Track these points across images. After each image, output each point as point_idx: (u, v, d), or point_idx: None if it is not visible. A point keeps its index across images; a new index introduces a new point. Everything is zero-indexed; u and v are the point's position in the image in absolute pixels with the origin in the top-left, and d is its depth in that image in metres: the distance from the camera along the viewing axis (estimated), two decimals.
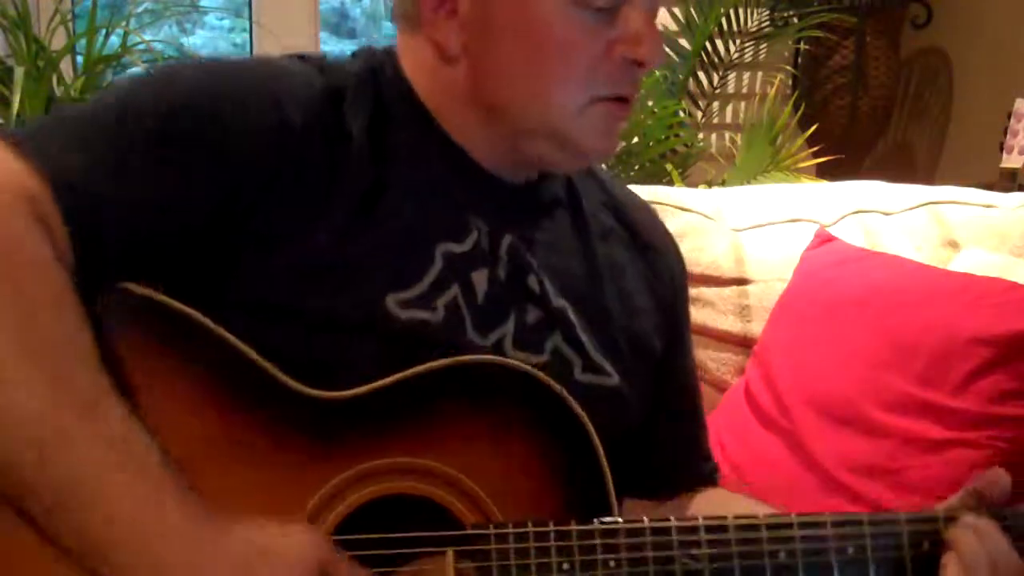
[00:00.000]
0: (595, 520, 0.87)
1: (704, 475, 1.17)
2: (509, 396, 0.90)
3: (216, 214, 0.89)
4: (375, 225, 0.93)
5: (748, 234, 1.86)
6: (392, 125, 0.98)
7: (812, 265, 1.76)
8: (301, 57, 1.00)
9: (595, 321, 1.03)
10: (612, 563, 0.86)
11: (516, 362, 0.92)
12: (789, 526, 0.90)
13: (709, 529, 0.89)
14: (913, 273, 1.69)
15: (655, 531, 0.88)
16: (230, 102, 0.90)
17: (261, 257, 0.90)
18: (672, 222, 1.83)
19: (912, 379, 1.50)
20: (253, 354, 0.86)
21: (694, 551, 0.88)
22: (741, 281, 1.82)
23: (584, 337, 1.01)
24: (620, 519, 0.88)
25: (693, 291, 1.81)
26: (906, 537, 0.93)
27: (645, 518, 0.88)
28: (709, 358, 1.80)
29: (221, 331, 0.86)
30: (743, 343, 1.79)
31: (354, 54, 1.05)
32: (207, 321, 0.86)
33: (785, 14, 3.19)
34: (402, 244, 0.94)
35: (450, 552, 0.85)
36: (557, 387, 0.91)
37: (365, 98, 0.97)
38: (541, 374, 0.91)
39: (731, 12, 3.05)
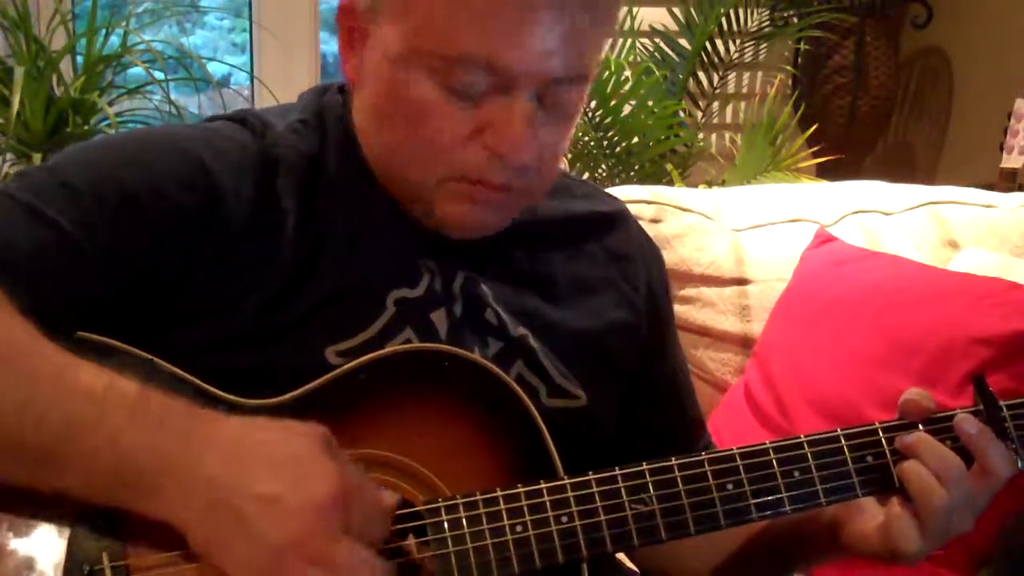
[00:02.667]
0: (541, 481, 0.88)
1: None
2: (442, 380, 0.91)
3: (137, 284, 0.90)
4: (315, 285, 0.94)
5: (748, 234, 1.86)
6: (334, 179, 0.98)
7: (812, 265, 1.76)
8: (242, 120, 1.00)
9: (559, 346, 1.03)
10: (564, 519, 0.87)
11: (443, 346, 0.94)
12: (732, 459, 0.91)
13: (654, 472, 0.90)
14: (913, 273, 1.69)
15: (601, 481, 0.89)
16: (154, 175, 0.91)
17: (187, 328, 0.91)
18: (672, 222, 1.83)
19: (912, 379, 1.50)
20: (187, 375, 0.88)
21: (643, 495, 0.89)
22: (741, 281, 1.82)
23: (546, 362, 1.02)
24: (566, 478, 0.89)
25: (693, 291, 1.81)
26: (848, 452, 0.93)
27: (590, 472, 0.89)
28: (709, 358, 1.80)
29: (152, 358, 0.88)
30: (743, 343, 1.79)
31: (306, 96, 1.05)
32: (135, 351, 0.87)
33: (785, 14, 3.18)
34: (347, 298, 0.95)
35: (410, 534, 0.86)
36: (482, 361, 0.92)
37: (300, 163, 0.97)
38: (464, 351, 0.93)
39: (731, 12, 3.04)
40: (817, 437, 0.94)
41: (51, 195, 0.89)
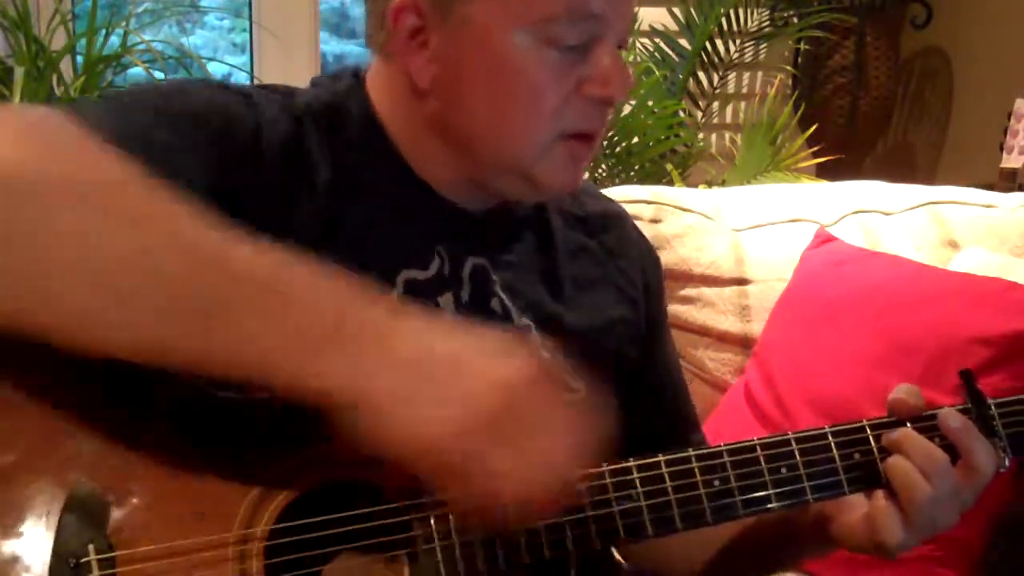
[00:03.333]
0: None
1: None
2: None
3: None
4: (334, 254, 0.93)
5: (748, 234, 1.86)
6: (355, 156, 0.99)
7: (812, 265, 1.76)
8: (266, 87, 1.01)
9: (559, 338, 1.04)
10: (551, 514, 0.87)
11: None
12: (719, 455, 0.92)
13: (641, 467, 0.90)
14: (913, 273, 1.69)
15: (589, 477, 0.89)
16: (216, 116, 0.92)
17: None
18: (672, 222, 1.83)
19: (912, 379, 1.48)
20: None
21: (630, 490, 0.89)
22: (741, 281, 1.82)
23: (547, 355, 1.02)
24: None
25: (693, 291, 1.81)
26: (835, 449, 0.94)
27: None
28: (709, 358, 1.80)
29: None
30: (743, 343, 1.79)
31: (315, 82, 1.06)
32: None
33: (785, 14, 3.19)
34: (360, 273, 0.95)
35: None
36: None
37: (329, 131, 0.98)
38: None
39: (731, 12, 3.05)
40: (805, 434, 0.94)
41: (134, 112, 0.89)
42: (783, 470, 0.92)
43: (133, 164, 0.77)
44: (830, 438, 0.94)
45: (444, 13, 0.94)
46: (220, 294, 0.74)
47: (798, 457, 0.93)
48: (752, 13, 3.11)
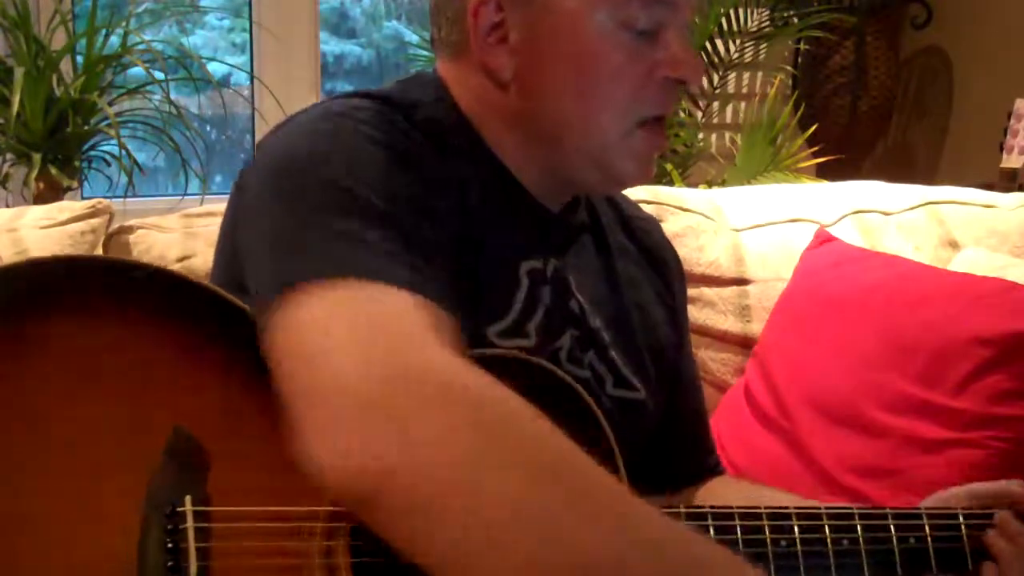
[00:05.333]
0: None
1: (709, 468, 1.22)
2: (540, 394, 0.90)
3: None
4: (465, 259, 0.94)
5: (748, 234, 1.86)
6: (455, 157, 0.98)
7: (812, 265, 1.76)
8: (368, 95, 0.97)
9: (622, 338, 1.07)
10: None
11: (553, 367, 0.94)
12: (787, 516, 0.94)
13: (716, 516, 0.92)
14: (913, 273, 1.69)
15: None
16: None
17: None
18: (672, 222, 1.83)
19: (912, 379, 1.50)
20: None
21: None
22: (741, 281, 1.82)
23: (614, 354, 1.05)
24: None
25: (693, 291, 1.81)
26: (928, 531, 0.98)
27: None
28: (709, 358, 1.80)
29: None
30: (743, 343, 1.79)
31: (403, 82, 1.04)
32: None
33: (785, 14, 3.18)
34: (490, 273, 0.97)
35: None
36: (575, 385, 0.93)
37: (439, 142, 0.96)
38: (563, 374, 0.93)
39: (731, 12, 3.05)
40: (869, 512, 0.98)
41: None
42: (844, 542, 0.96)
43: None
44: (925, 519, 0.99)
45: (524, 3, 0.95)
46: None
47: (860, 533, 0.96)
48: (752, 13, 3.11)
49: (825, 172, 3.08)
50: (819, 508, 0.96)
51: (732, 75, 3.22)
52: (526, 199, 1.03)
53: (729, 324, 1.80)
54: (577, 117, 0.97)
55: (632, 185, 1.06)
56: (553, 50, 0.96)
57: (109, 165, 2.45)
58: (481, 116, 1.01)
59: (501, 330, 0.95)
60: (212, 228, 1.39)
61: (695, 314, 1.81)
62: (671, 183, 2.64)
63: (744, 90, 3.40)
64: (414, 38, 3.28)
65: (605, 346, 1.05)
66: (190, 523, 0.78)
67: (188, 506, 0.78)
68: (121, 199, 2.27)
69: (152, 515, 0.78)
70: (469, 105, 1.01)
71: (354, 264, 0.77)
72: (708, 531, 0.91)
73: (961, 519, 0.99)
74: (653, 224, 1.22)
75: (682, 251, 1.82)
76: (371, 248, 0.79)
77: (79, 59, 2.46)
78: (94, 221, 1.64)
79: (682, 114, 2.98)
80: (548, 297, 1.00)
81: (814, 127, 3.02)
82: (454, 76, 1.02)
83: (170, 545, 0.78)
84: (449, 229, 0.89)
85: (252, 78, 2.93)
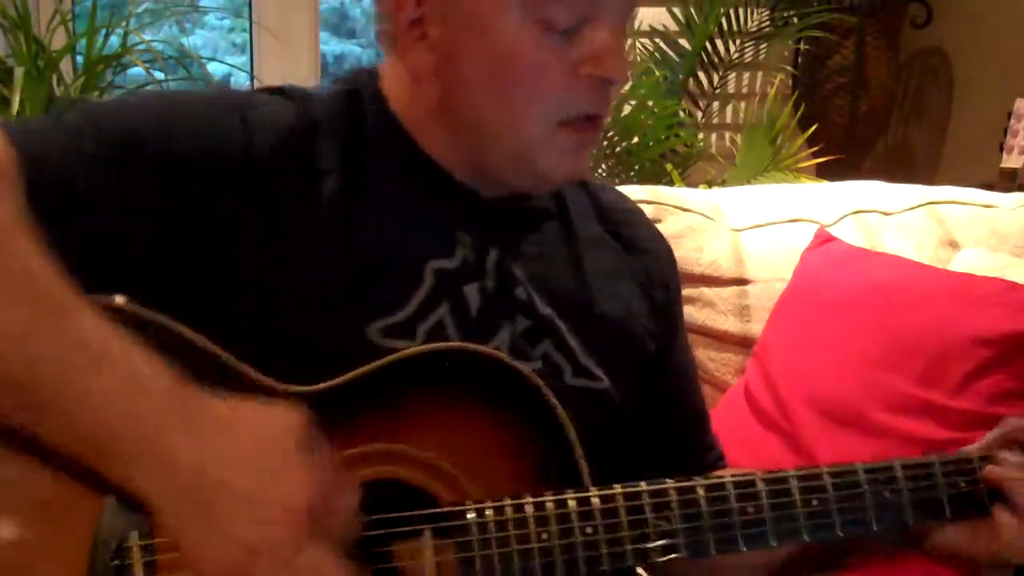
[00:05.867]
0: (568, 491, 0.89)
1: (709, 464, 1.20)
2: (476, 380, 0.92)
3: (168, 242, 0.90)
4: (354, 251, 0.95)
5: (748, 234, 1.86)
6: (370, 148, 0.99)
7: (812, 265, 1.76)
8: (281, 91, 1.01)
9: (584, 327, 1.05)
10: (589, 530, 0.88)
11: (482, 347, 0.94)
12: (752, 482, 0.93)
13: (680, 491, 0.91)
14: (913, 273, 1.69)
15: (628, 496, 0.90)
16: (197, 131, 0.92)
17: (231, 297, 0.92)
18: (672, 222, 1.83)
19: (912, 379, 1.50)
20: (223, 353, 0.87)
21: (665, 513, 0.90)
22: (741, 281, 1.82)
23: (573, 343, 1.03)
24: (592, 488, 0.90)
25: (693, 291, 1.81)
26: (941, 478, 0.96)
27: (617, 486, 0.90)
28: (709, 358, 1.80)
29: (185, 331, 0.87)
30: (743, 343, 1.79)
31: (337, 80, 1.07)
32: (173, 324, 0.87)
33: (785, 14, 3.19)
34: (386, 267, 0.96)
35: (427, 531, 0.86)
36: (521, 367, 0.92)
37: (340, 126, 0.99)
38: (505, 356, 0.93)
39: (731, 12, 3.05)
40: (912, 462, 0.97)
41: (88, 132, 0.90)
42: (886, 493, 0.95)
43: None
44: (937, 467, 0.97)
45: (433, 17, 0.95)
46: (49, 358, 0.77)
47: (902, 483, 0.95)
48: (752, 13, 3.11)
49: (825, 172, 3.08)
50: (819, 469, 0.95)
51: (732, 75, 3.22)
52: (455, 190, 1.01)
53: (729, 324, 1.80)
54: (495, 117, 0.96)
55: (561, 182, 1.04)
56: (469, 51, 0.95)
57: None
58: (409, 110, 1.01)
59: (387, 325, 0.94)
60: None
61: (695, 314, 1.81)
62: (671, 183, 2.64)
63: (744, 90, 3.40)
64: None
65: (561, 334, 1.03)
66: (136, 558, 0.80)
67: (135, 540, 0.80)
68: None
69: (100, 550, 0.80)
70: (398, 98, 1.01)
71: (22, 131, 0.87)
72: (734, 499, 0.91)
73: (976, 463, 0.97)
74: (638, 216, 1.19)
75: (682, 251, 1.83)
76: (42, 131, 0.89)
77: (79, 59, 2.46)
78: None
79: (682, 114, 2.98)
80: (474, 297, 0.99)
81: (814, 127, 3.02)
82: (388, 71, 1.03)
83: None
84: (295, 210, 0.93)
85: (252, 78, 2.93)
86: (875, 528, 0.94)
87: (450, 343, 0.95)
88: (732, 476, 0.93)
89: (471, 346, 0.93)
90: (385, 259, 0.96)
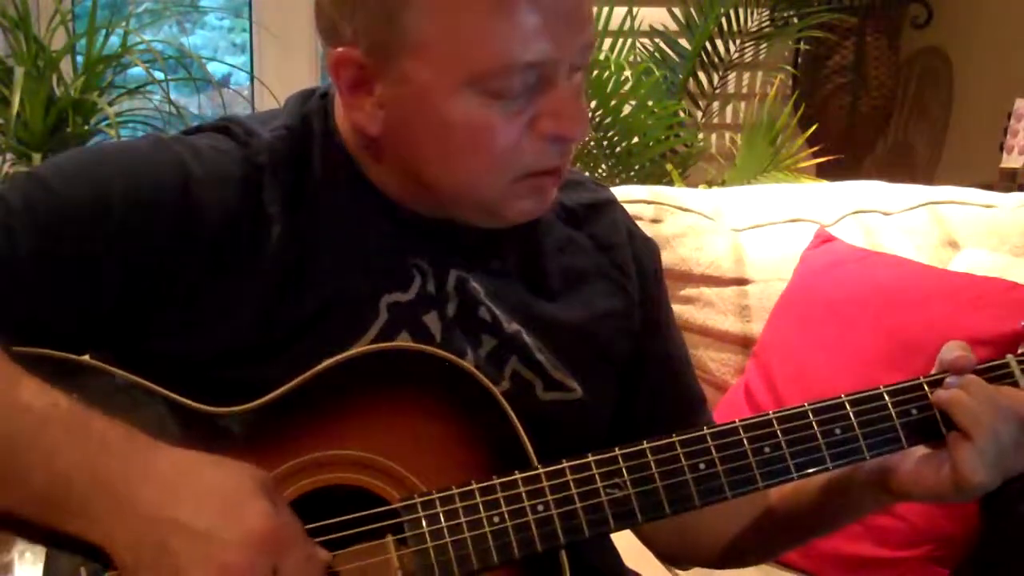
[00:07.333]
0: (515, 472, 0.89)
1: None
2: (416, 378, 0.92)
3: (116, 306, 0.91)
4: (307, 293, 0.94)
5: (748, 234, 1.86)
6: (320, 186, 0.97)
7: (812, 265, 1.76)
8: (225, 129, 0.99)
9: (552, 339, 1.03)
10: (540, 507, 0.88)
11: (416, 345, 0.94)
12: (702, 438, 0.93)
13: (627, 456, 0.91)
14: (913, 273, 1.69)
15: (575, 469, 0.90)
16: (132, 197, 0.91)
17: (185, 343, 0.92)
18: (672, 222, 1.84)
19: None
20: (153, 385, 0.88)
21: (616, 479, 0.90)
22: (741, 281, 1.82)
23: (541, 357, 1.02)
24: (540, 468, 0.90)
25: (693, 291, 1.81)
26: (891, 408, 0.95)
27: (564, 460, 0.90)
28: (709, 358, 1.80)
29: (113, 369, 0.89)
30: (743, 343, 1.79)
31: (286, 104, 1.04)
32: (98, 364, 0.89)
33: (785, 14, 3.18)
34: (340, 305, 0.95)
35: (389, 537, 0.86)
36: (458, 360, 0.93)
37: (287, 168, 0.96)
38: (441, 351, 0.93)
39: (731, 12, 3.04)
40: (860, 396, 0.96)
41: (26, 210, 0.90)
42: (837, 431, 0.94)
43: None
44: (886, 397, 0.96)
45: (384, 66, 0.92)
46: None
47: (853, 419, 0.94)
48: (752, 13, 3.11)
49: (825, 172, 3.07)
50: (768, 414, 0.94)
51: (732, 75, 3.22)
52: (408, 219, 0.99)
53: (729, 324, 1.80)
54: (448, 179, 0.95)
55: (522, 222, 1.00)
56: (417, 117, 0.92)
57: None
58: (358, 152, 0.99)
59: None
60: None
61: (695, 314, 1.81)
62: (671, 183, 2.64)
63: (744, 90, 3.39)
64: None
65: (528, 349, 1.01)
66: None
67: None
68: None
69: None
70: (348, 132, 0.99)
71: None
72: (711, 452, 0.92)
73: (925, 389, 0.96)
74: (605, 209, 1.14)
75: (682, 251, 1.83)
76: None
77: (79, 59, 2.47)
78: None
79: (682, 114, 2.98)
80: (434, 325, 0.98)
81: (814, 127, 3.01)
82: (339, 105, 0.99)
83: None
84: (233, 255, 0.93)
85: (252, 78, 2.93)
86: (830, 466, 0.93)
87: (376, 345, 0.94)
88: (678, 435, 0.92)
89: (400, 344, 0.94)
90: (339, 297, 0.95)
